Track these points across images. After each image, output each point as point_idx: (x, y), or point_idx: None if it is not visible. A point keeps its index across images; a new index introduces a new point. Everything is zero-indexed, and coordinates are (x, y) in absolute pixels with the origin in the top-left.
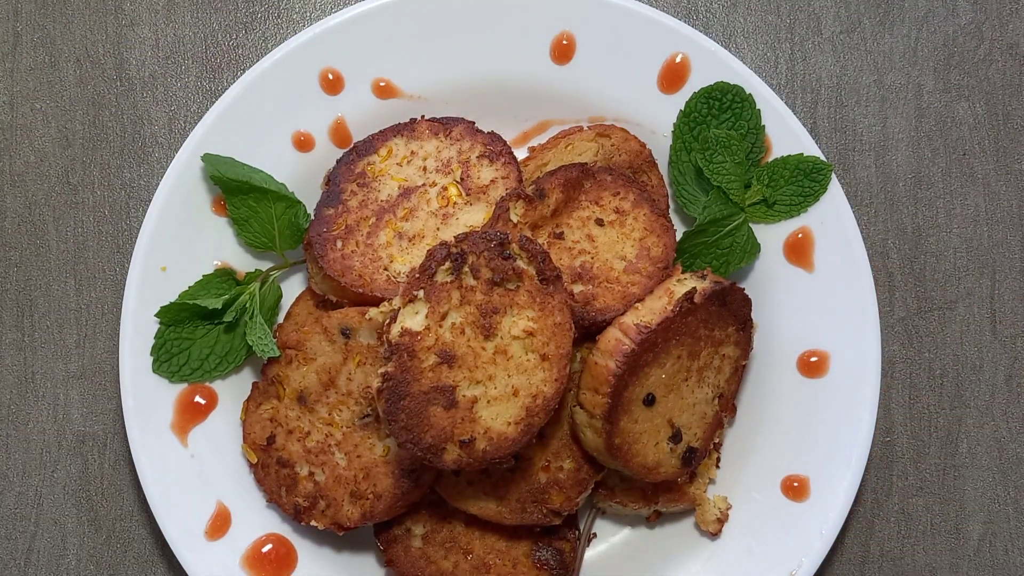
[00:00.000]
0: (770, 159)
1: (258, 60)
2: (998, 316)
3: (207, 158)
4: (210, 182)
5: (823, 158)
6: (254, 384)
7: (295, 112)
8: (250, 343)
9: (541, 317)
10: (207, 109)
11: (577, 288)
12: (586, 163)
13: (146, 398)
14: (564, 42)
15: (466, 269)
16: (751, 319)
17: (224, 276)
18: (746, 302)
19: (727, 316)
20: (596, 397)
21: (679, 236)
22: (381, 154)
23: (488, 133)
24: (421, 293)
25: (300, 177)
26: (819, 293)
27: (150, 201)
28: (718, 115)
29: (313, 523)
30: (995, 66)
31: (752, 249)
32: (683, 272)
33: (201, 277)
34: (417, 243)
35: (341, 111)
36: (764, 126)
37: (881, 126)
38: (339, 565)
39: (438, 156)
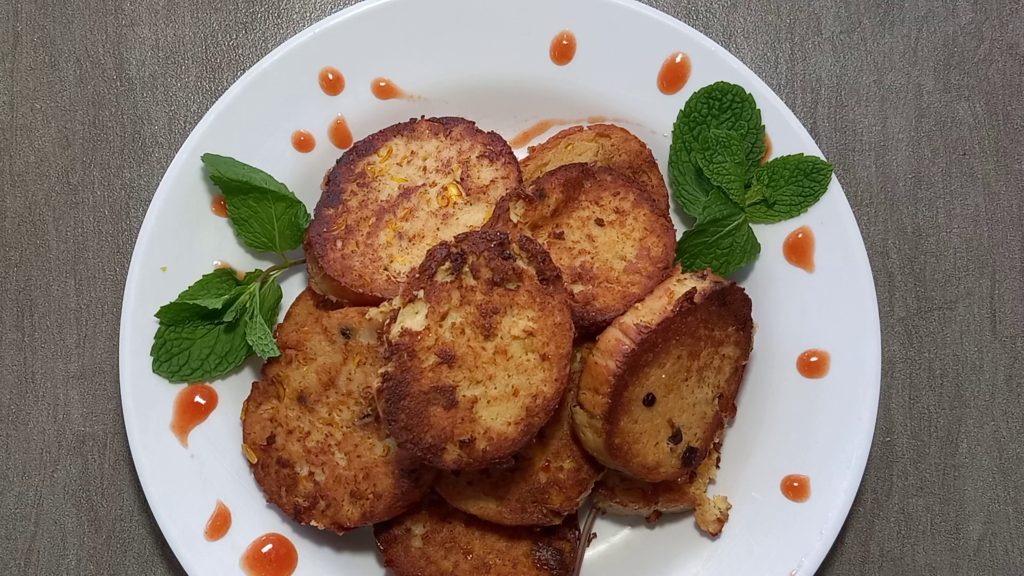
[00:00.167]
0: (770, 159)
1: (258, 60)
2: (998, 316)
3: (207, 158)
4: (210, 182)
5: (823, 158)
6: (254, 384)
7: (295, 112)
8: (250, 343)
9: (541, 317)
10: (207, 109)
11: (577, 288)
12: (586, 163)
13: (146, 398)
14: (564, 42)
15: (466, 269)
16: (751, 319)
17: (224, 276)
18: (746, 302)
19: (727, 316)
20: (596, 397)
21: (679, 236)
22: (381, 154)
23: (488, 133)
24: (421, 293)
25: (300, 177)
26: (819, 293)
27: (150, 201)
28: (718, 115)
29: (313, 523)
30: (995, 66)
31: (752, 249)
32: (683, 272)
33: (201, 277)
34: (417, 243)
35: (341, 111)
36: (764, 126)
37: (881, 126)
38: (339, 565)
39: (438, 156)
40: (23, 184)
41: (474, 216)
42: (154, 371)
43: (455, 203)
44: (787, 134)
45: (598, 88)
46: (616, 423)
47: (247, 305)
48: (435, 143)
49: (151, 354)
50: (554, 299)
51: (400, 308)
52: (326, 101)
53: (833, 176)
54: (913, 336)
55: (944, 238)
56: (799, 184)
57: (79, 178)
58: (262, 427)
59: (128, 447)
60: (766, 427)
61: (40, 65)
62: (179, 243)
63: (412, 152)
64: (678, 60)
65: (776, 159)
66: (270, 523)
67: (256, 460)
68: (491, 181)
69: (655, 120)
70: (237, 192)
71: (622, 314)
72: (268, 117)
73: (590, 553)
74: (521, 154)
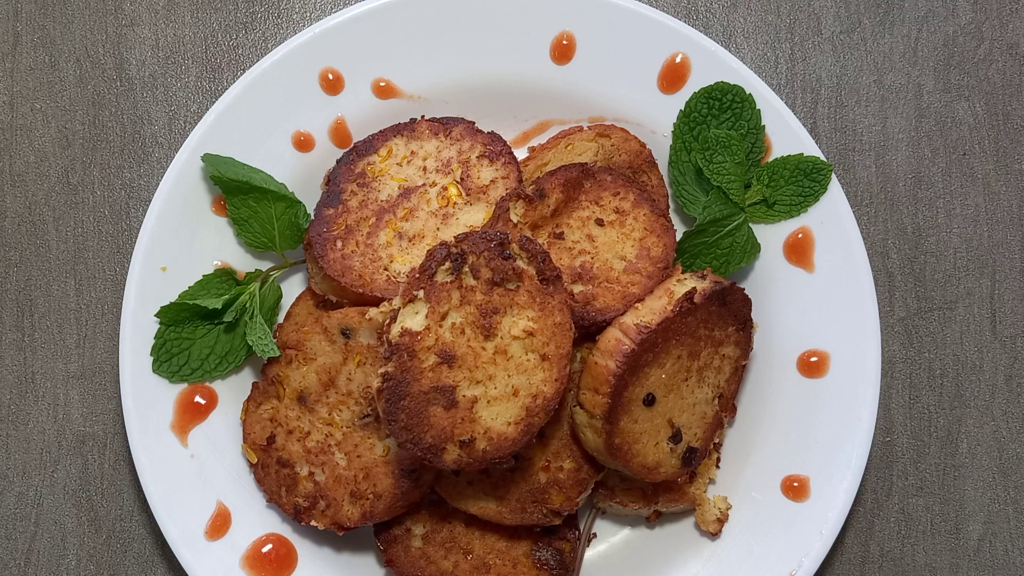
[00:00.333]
0: (770, 159)
1: (258, 60)
2: (998, 316)
3: (207, 158)
4: (210, 182)
5: (823, 158)
6: (254, 384)
7: (295, 112)
8: (250, 343)
9: (541, 317)
10: (207, 109)
11: (577, 288)
12: (586, 163)
13: (146, 398)
14: (564, 42)
15: (466, 269)
16: (751, 319)
17: (224, 276)
18: (746, 302)
19: (727, 316)
20: (596, 397)
21: (679, 236)
22: (381, 154)
23: (488, 133)
24: (421, 293)
25: (300, 177)
26: (819, 293)
27: (150, 201)
28: (718, 115)
29: (313, 523)
30: (995, 66)
31: (752, 249)
32: (683, 272)
33: (201, 277)
34: (417, 243)
35: (341, 111)
36: (764, 126)
37: (881, 126)
38: (339, 565)
39: (438, 156)
40: (23, 184)
41: (474, 216)
42: (154, 371)
43: (455, 203)
44: (787, 134)
45: (598, 88)
46: (616, 423)
47: (247, 305)
48: (435, 143)
49: (151, 354)
50: (554, 299)
51: (400, 308)
52: (326, 101)
53: (833, 176)
54: (913, 336)
55: (944, 238)
56: (799, 184)
57: (79, 178)
58: (262, 427)
59: (128, 447)
60: (766, 427)
61: (40, 65)
62: (179, 243)
63: (412, 152)
64: (678, 60)
65: (776, 159)
66: (270, 523)
67: (256, 460)
68: (491, 181)
69: (655, 120)
70: (237, 192)
71: (622, 314)
72: (268, 117)
73: (590, 553)
74: (521, 154)
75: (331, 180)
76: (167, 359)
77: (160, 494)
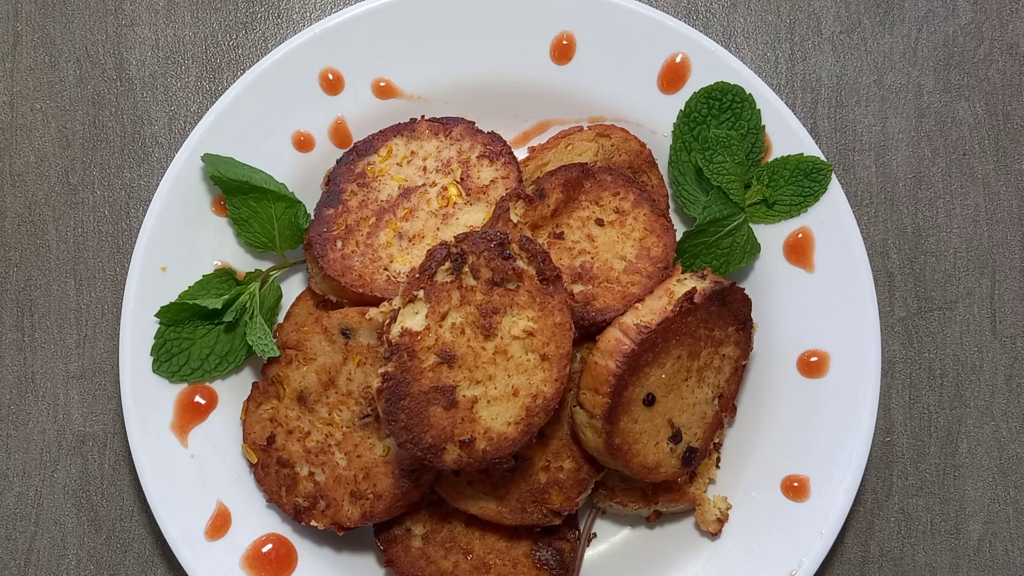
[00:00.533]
0: (770, 159)
1: (258, 60)
2: (998, 316)
3: (207, 158)
4: (210, 182)
5: (823, 158)
6: (254, 384)
7: (295, 112)
8: (250, 343)
9: (541, 317)
10: (207, 109)
11: (577, 288)
12: (586, 163)
13: (146, 398)
14: (564, 42)
15: (466, 269)
16: (751, 319)
17: (224, 276)
18: (746, 302)
19: (727, 316)
20: (596, 397)
21: (679, 236)
22: (381, 154)
23: (488, 133)
24: (421, 293)
25: (300, 177)
26: (819, 293)
27: (150, 201)
28: (718, 115)
29: (313, 523)
30: (995, 66)
31: (752, 249)
32: (683, 272)
33: (201, 277)
34: (417, 243)
35: (341, 111)
36: (764, 126)
37: (881, 126)
38: (339, 565)
39: (438, 156)
40: (23, 184)
41: (474, 216)
42: (154, 371)
43: (455, 203)
44: (787, 134)
45: (598, 88)
46: (616, 423)
47: (247, 305)
48: (435, 143)
49: (151, 354)
50: (554, 299)
51: (400, 308)
52: (326, 101)
53: (833, 176)
54: (913, 336)
55: (944, 238)
56: (799, 184)
57: (79, 178)
58: (262, 427)
59: (128, 447)
60: (766, 427)
61: (40, 65)
62: (179, 243)
63: (412, 152)
64: (678, 60)
65: (776, 159)
66: (270, 523)
67: (256, 460)
68: (491, 181)
69: (655, 120)
70: (237, 192)
71: (622, 314)
72: (268, 117)
73: (590, 553)
74: (521, 154)
75: (331, 180)
76: (167, 359)
77: (160, 494)
